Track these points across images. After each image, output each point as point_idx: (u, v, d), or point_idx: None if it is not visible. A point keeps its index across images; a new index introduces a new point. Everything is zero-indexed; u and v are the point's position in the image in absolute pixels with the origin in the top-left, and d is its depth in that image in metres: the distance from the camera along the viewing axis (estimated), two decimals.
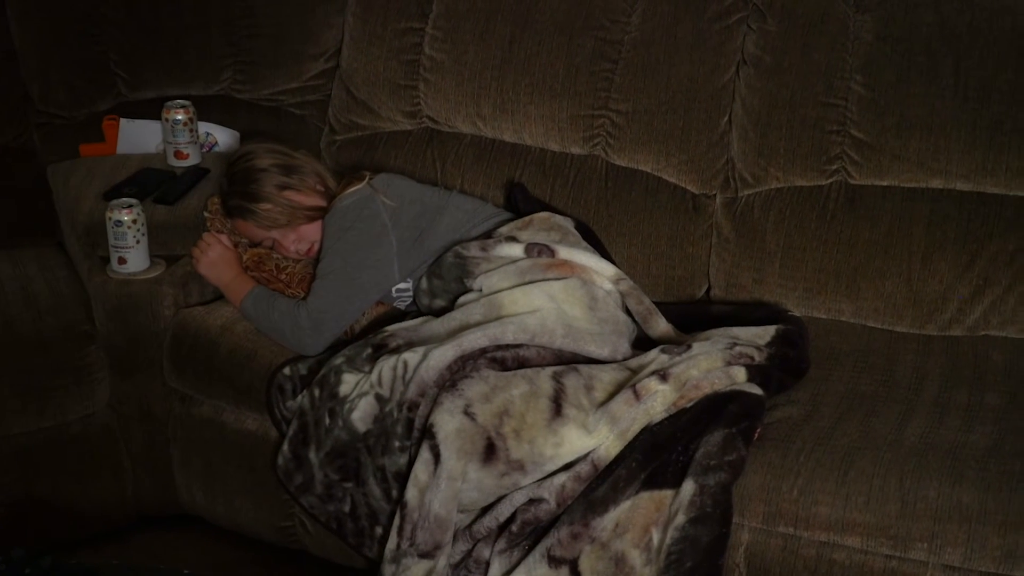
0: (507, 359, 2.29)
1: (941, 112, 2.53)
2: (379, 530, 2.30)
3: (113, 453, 2.66)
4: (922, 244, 2.55)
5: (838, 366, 2.42)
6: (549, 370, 2.26)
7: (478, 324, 2.35)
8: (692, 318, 2.56)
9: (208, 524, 2.70)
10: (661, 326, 2.49)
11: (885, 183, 2.60)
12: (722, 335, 2.38)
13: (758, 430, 2.20)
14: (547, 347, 2.32)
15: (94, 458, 2.63)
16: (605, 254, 2.62)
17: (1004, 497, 2.02)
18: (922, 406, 2.27)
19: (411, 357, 2.28)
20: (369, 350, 2.37)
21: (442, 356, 2.25)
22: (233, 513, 2.64)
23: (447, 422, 2.16)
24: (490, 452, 2.16)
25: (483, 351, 2.28)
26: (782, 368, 2.34)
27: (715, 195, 2.73)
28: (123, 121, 3.02)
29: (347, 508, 2.34)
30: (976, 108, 2.51)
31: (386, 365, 2.29)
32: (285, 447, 2.39)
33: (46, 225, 2.98)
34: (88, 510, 2.65)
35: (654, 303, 2.52)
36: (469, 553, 2.23)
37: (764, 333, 2.40)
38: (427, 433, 2.18)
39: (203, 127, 2.98)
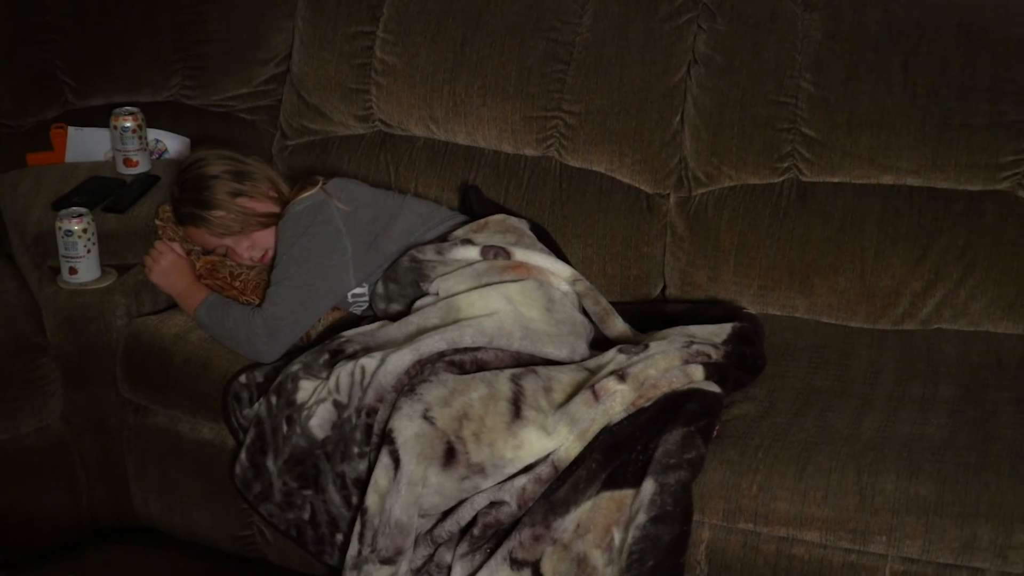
0: (465, 362, 2.28)
1: (890, 109, 2.55)
2: (340, 537, 2.29)
3: (67, 466, 2.62)
4: (874, 240, 2.57)
5: (793, 362, 2.44)
6: (507, 372, 2.26)
7: (435, 328, 2.34)
8: (648, 317, 2.56)
9: (165, 535, 2.68)
10: (618, 326, 2.49)
11: (836, 180, 2.62)
12: (679, 334, 2.39)
13: (717, 428, 2.21)
14: (505, 349, 2.33)
15: (48, 471, 2.60)
16: (561, 255, 2.62)
17: (961, 489, 2.04)
18: (877, 400, 2.29)
19: (369, 362, 2.27)
20: (326, 356, 2.36)
21: (400, 361, 2.24)
22: (190, 524, 2.61)
23: (406, 427, 2.15)
24: (450, 456, 2.15)
25: (441, 355, 2.27)
26: (739, 365, 2.35)
27: (669, 194, 2.74)
28: (71, 129, 2.99)
29: (307, 516, 2.32)
30: (925, 104, 2.53)
31: (344, 371, 2.28)
32: (243, 455, 2.38)
33: None
34: (42, 524, 2.61)
35: (610, 303, 2.52)
36: (431, 558, 2.22)
37: (720, 331, 2.41)
38: (386, 438, 2.17)
39: (152, 134, 2.94)
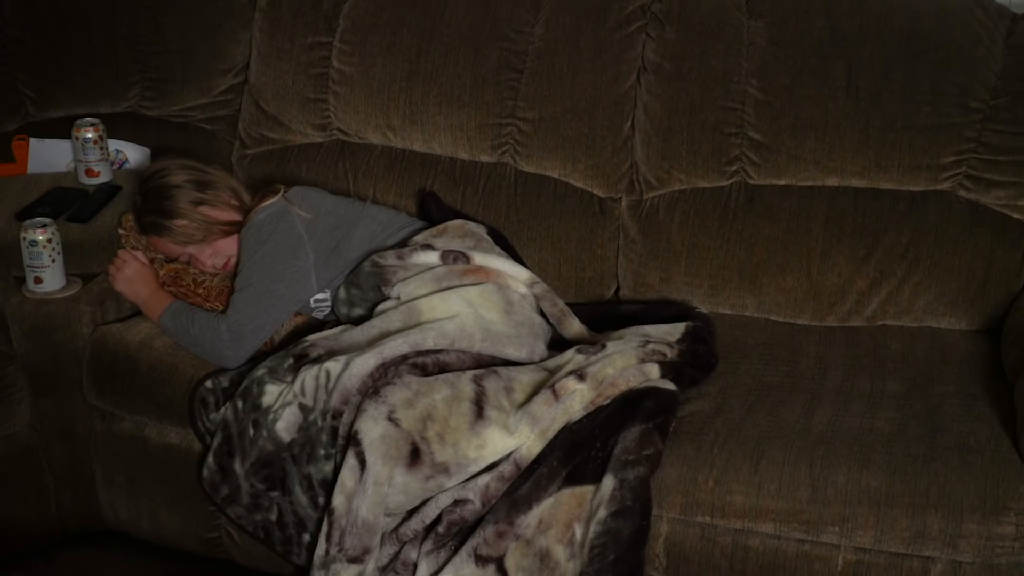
0: (428, 364, 2.28)
1: (835, 112, 2.57)
2: (307, 537, 2.28)
3: (35, 472, 2.59)
4: (820, 240, 2.59)
5: (745, 359, 2.45)
6: (469, 374, 2.26)
7: (398, 331, 2.34)
8: (603, 318, 2.58)
9: (133, 539, 2.66)
10: (575, 327, 2.50)
11: (783, 182, 2.64)
12: (634, 333, 2.40)
13: (673, 424, 2.22)
14: (466, 351, 2.33)
15: (16, 478, 2.56)
16: (518, 259, 2.62)
17: (911, 480, 2.06)
18: (827, 395, 2.31)
19: (333, 366, 2.26)
20: (291, 360, 2.35)
21: (364, 364, 2.24)
22: (158, 527, 2.59)
23: (371, 429, 2.15)
24: (415, 456, 2.15)
25: (404, 357, 2.27)
26: (692, 364, 2.36)
27: (621, 198, 2.74)
28: (33, 141, 2.95)
29: (274, 517, 2.31)
30: (868, 108, 2.55)
31: (308, 375, 2.27)
32: (210, 459, 2.36)
33: None
34: (11, 529, 2.58)
35: (567, 304, 2.53)
36: (396, 556, 2.22)
37: (674, 330, 2.43)
38: (352, 440, 2.16)
39: (113, 144, 2.92)
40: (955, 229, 2.53)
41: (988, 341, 2.50)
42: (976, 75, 2.53)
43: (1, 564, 2.57)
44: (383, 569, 2.22)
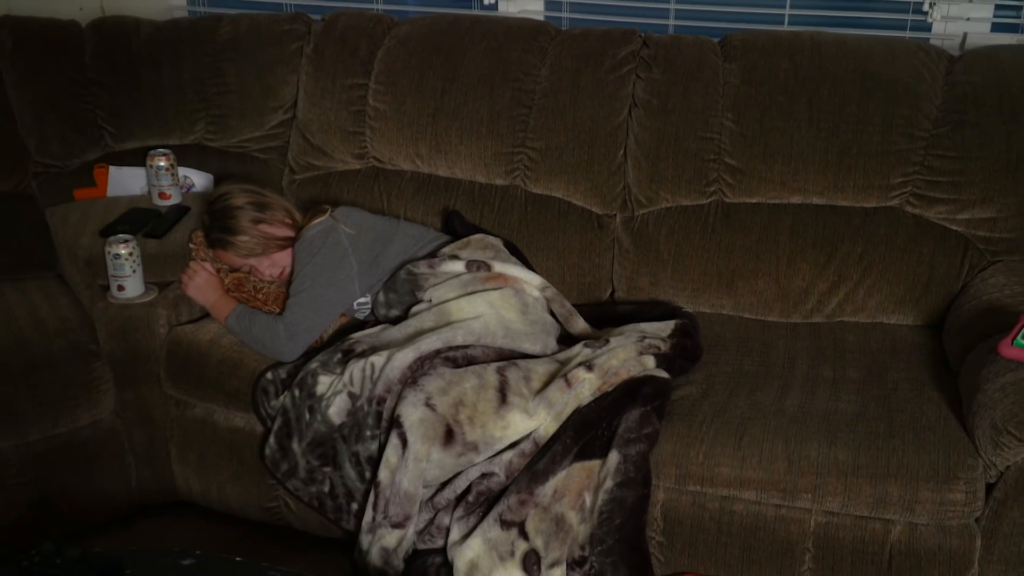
0: (458, 358, 2.26)
1: (798, 141, 2.55)
2: (355, 506, 2.25)
3: (118, 453, 2.55)
4: (787, 249, 2.57)
5: (724, 351, 2.43)
6: (493, 365, 2.24)
7: (431, 330, 2.31)
8: (603, 316, 2.55)
9: (202, 508, 2.62)
10: (580, 324, 2.48)
11: (754, 200, 2.62)
12: (632, 330, 2.38)
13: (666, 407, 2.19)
14: (490, 346, 2.31)
15: (102, 458, 2.53)
16: (529, 267, 2.60)
17: (873, 454, 2.04)
18: (796, 382, 2.29)
19: (377, 360, 2.23)
20: (339, 355, 2.32)
21: (404, 358, 2.21)
22: (224, 498, 2.55)
23: (411, 413, 2.12)
24: (449, 436, 2.13)
25: (438, 352, 2.25)
26: (682, 355, 2.34)
27: (616, 215, 2.72)
28: (112, 168, 2.92)
29: (327, 489, 2.28)
30: (827, 137, 2.53)
31: (356, 367, 2.24)
32: (272, 440, 2.33)
33: (45, 260, 2.84)
34: (97, 501, 2.54)
35: (572, 306, 2.51)
36: (432, 521, 2.20)
37: (665, 327, 2.41)
38: (395, 423, 2.14)
39: (182, 171, 2.89)
40: (902, 239, 2.51)
41: (932, 335, 2.48)
42: (920, 108, 2.51)
43: (88, 531, 2.52)
44: (420, 533, 2.20)
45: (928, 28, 2.85)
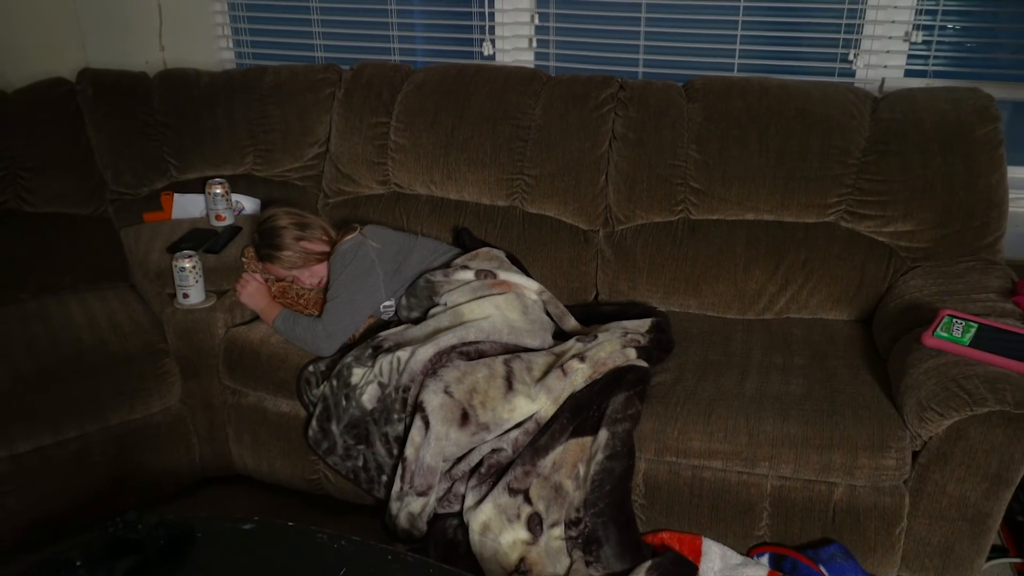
0: (470, 352, 2.22)
1: (751, 168, 2.52)
2: (384, 478, 2.22)
3: (184, 434, 2.51)
4: (743, 258, 2.54)
5: (692, 344, 2.40)
6: (500, 358, 2.20)
7: (447, 328, 2.27)
8: (590, 315, 2.51)
9: (256, 481, 2.57)
10: (571, 323, 2.44)
11: (715, 217, 2.59)
12: (616, 327, 2.35)
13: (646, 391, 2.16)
14: (497, 342, 2.27)
15: (170, 438, 2.48)
16: (528, 274, 2.55)
17: (818, 428, 2.02)
18: (753, 369, 2.26)
19: (402, 354, 2.19)
20: (370, 350, 2.28)
21: (425, 352, 2.18)
22: (274, 472, 2.51)
23: (433, 399, 2.08)
24: (464, 418, 2.09)
25: (453, 347, 2.21)
26: (658, 347, 2.31)
27: (599, 230, 2.68)
28: (176, 195, 2.87)
29: (360, 463, 2.24)
30: (775, 165, 2.51)
31: (384, 360, 2.20)
32: (314, 423, 2.29)
33: (120, 272, 2.81)
34: (166, 474, 2.50)
35: (565, 307, 2.47)
36: (450, 489, 2.16)
37: (643, 324, 2.37)
38: (418, 407, 2.10)
39: (235, 197, 2.84)
40: (838, 249, 2.49)
41: (864, 328, 2.45)
42: (851, 140, 2.48)
43: (159, 501, 2.48)
44: (440, 499, 2.16)
45: (852, 74, 2.83)
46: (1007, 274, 2.31)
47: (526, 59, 3.13)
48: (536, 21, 3.07)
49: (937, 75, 2.75)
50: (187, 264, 2.41)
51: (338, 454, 2.27)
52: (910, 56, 2.77)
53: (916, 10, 2.71)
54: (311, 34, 3.29)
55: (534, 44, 3.10)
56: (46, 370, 2.29)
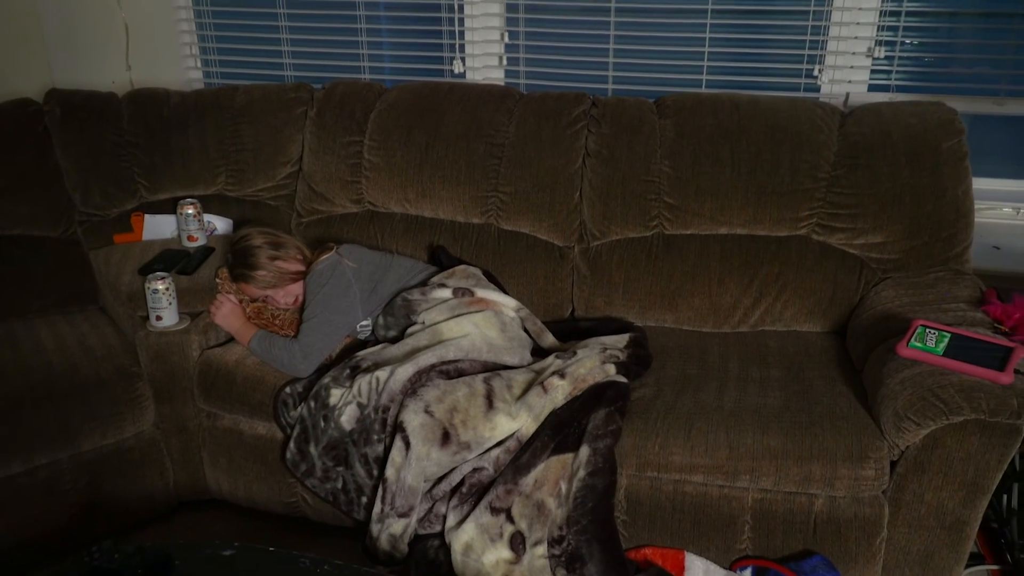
0: (450, 371, 2.18)
1: (724, 183, 2.51)
2: (364, 499, 2.17)
3: (158, 459, 2.43)
4: (717, 272, 2.52)
5: (669, 359, 2.38)
6: (480, 376, 2.16)
7: (425, 347, 2.23)
8: (567, 331, 2.49)
9: (231, 505, 2.50)
10: (549, 339, 2.41)
11: (689, 232, 2.57)
12: (595, 343, 2.32)
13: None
14: (477, 360, 2.23)
15: (144, 464, 2.41)
16: (505, 291, 2.52)
17: (798, 440, 2.00)
18: (731, 381, 2.24)
19: (381, 374, 2.15)
20: (348, 371, 2.23)
21: (404, 371, 2.13)
22: (251, 495, 2.44)
23: (413, 419, 2.04)
24: (446, 438, 2.05)
25: (433, 366, 2.17)
26: (636, 363, 2.29)
27: (574, 246, 2.65)
28: (147, 216, 2.80)
29: (340, 485, 2.19)
30: (747, 179, 2.50)
31: (363, 381, 2.16)
32: (292, 445, 2.23)
33: (90, 295, 2.72)
34: (140, 502, 2.42)
35: (543, 323, 2.44)
36: (430, 509, 2.11)
37: (621, 339, 2.35)
38: (398, 428, 2.06)
39: (206, 217, 2.78)
40: (810, 262, 2.48)
41: (837, 339, 2.45)
42: (820, 154, 2.49)
43: (132, 528, 2.41)
44: (421, 520, 2.11)
45: (817, 89, 2.84)
46: (976, 284, 2.32)
47: (496, 76, 3.11)
48: (506, 39, 3.05)
49: (900, 90, 2.77)
50: (160, 286, 2.34)
51: (317, 476, 2.21)
52: (873, 71, 2.80)
53: (878, 26, 2.73)
54: (280, 53, 3.25)
55: (504, 62, 3.08)
56: (15, 396, 2.21)
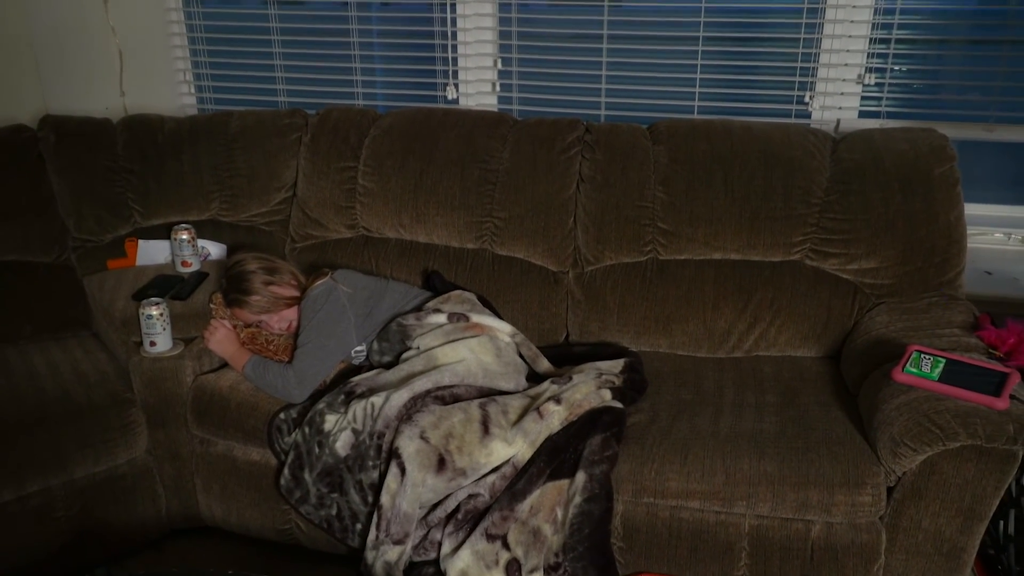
0: (445, 396, 2.17)
1: (717, 208, 2.52)
2: (359, 526, 2.15)
3: (150, 486, 2.41)
4: (711, 297, 2.52)
5: (664, 384, 2.37)
6: (476, 402, 2.15)
7: (421, 373, 2.23)
8: (562, 356, 2.48)
9: (224, 532, 2.48)
10: (544, 364, 2.41)
11: (683, 257, 2.57)
12: (590, 368, 2.32)
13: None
14: (472, 385, 2.22)
15: (136, 491, 2.39)
16: (499, 316, 2.52)
17: (794, 466, 2.00)
18: (726, 407, 2.24)
19: (376, 400, 2.14)
20: (342, 396, 2.22)
21: (399, 397, 2.12)
22: (244, 522, 2.42)
23: (408, 445, 2.03)
24: (441, 464, 2.04)
25: (428, 392, 2.16)
26: (631, 388, 2.28)
27: (568, 271, 2.65)
28: (141, 242, 2.79)
29: (334, 512, 2.17)
30: (740, 204, 2.51)
31: (358, 406, 2.15)
32: (286, 471, 2.21)
33: (83, 320, 2.71)
34: (132, 529, 2.39)
35: (538, 348, 2.44)
36: (425, 536, 2.09)
37: (616, 365, 2.35)
38: (394, 454, 2.04)
39: (200, 243, 2.77)
40: (804, 287, 2.48)
41: (832, 364, 2.45)
42: (813, 180, 2.50)
43: (124, 555, 2.38)
44: (416, 547, 2.09)
45: (808, 115, 2.86)
46: (969, 309, 2.33)
47: (489, 103, 3.12)
48: (499, 65, 3.07)
49: (890, 116, 2.80)
50: (154, 311, 2.33)
51: (311, 503, 2.19)
52: (863, 97, 2.82)
53: (868, 53, 2.76)
54: (274, 79, 3.26)
55: (497, 88, 3.09)
56: (7, 422, 2.19)
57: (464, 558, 2.02)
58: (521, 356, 2.40)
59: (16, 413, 2.22)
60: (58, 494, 2.24)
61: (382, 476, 2.07)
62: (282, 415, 2.26)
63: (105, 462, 2.30)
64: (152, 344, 2.36)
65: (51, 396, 2.29)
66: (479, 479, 2.08)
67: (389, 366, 2.35)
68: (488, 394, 2.22)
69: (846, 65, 2.78)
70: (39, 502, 2.22)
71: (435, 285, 2.60)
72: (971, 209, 2.72)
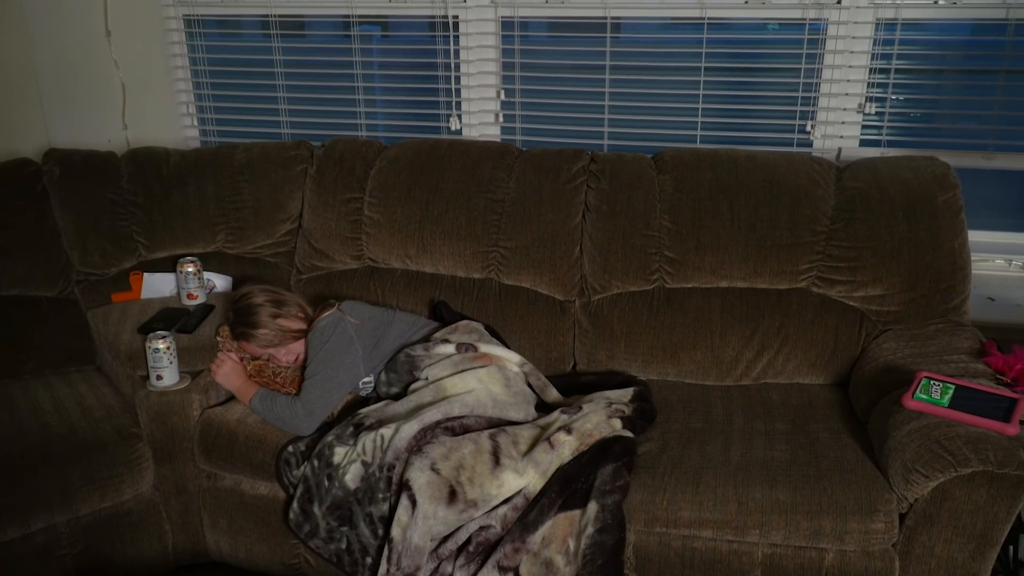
0: (455, 427, 2.18)
1: (723, 237, 2.54)
2: (368, 559, 2.13)
3: (157, 521, 2.41)
4: (719, 325, 2.54)
5: (673, 412, 2.38)
6: (486, 432, 2.16)
7: (429, 403, 2.23)
8: (570, 386, 2.49)
9: (232, 567, 2.47)
10: (553, 394, 2.42)
11: (690, 285, 2.59)
12: (600, 397, 2.33)
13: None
14: (482, 416, 2.23)
15: (142, 527, 2.38)
16: (507, 346, 2.53)
17: (807, 494, 2.00)
18: (736, 435, 2.25)
19: (386, 432, 2.14)
20: (351, 428, 2.22)
21: (409, 429, 2.13)
22: (252, 557, 2.41)
23: (419, 477, 2.03)
24: (452, 496, 2.03)
25: (438, 423, 2.16)
26: (641, 417, 2.29)
27: (575, 300, 2.67)
28: (146, 275, 2.80)
29: (344, 546, 2.16)
30: (746, 233, 2.53)
31: (367, 439, 2.15)
32: (295, 505, 2.21)
33: (87, 355, 2.71)
34: (138, 567, 2.38)
35: (546, 378, 2.45)
36: (436, 569, 2.08)
37: (625, 394, 2.36)
38: (404, 486, 2.04)
39: (206, 275, 2.77)
40: (811, 314, 2.50)
41: (840, 391, 2.46)
42: (819, 208, 2.53)
43: None
44: None
45: (810, 144, 2.90)
46: (975, 335, 2.35)
47: (492, 133, 3.15)
48: (502, 96, 3.10)
49: (891, 144, 2.83)
50: (161, 345, 2.34)
51: (321, 536, 2.19)
52: (864, 126, 2.86)
53: (868, 83, 2.80)
54: (277, 111, 3.29)
55: (500, 118, 3.13)
56: (11, 459, 2.19)
57: None
58: (530, 386, 2.41)
59: (20, 449, 2.22)
60: (63, 531, 2.24)
61: (392, 509, 2.07)
62: (290, 448, 2.26)
63: (111, 498, 2.30)
64: (159, 378, 2.36)
65: (56, 432, 2.29)
66: (490, 510, 2.07)
67: (397, 397, 2.35)
68: (498, 424, 2.23)
69: (847, 95, 2.82)
70: (43, 539, 2.21)
71: (442, 315, 2.61)
72: (971, 236, 2.74)
